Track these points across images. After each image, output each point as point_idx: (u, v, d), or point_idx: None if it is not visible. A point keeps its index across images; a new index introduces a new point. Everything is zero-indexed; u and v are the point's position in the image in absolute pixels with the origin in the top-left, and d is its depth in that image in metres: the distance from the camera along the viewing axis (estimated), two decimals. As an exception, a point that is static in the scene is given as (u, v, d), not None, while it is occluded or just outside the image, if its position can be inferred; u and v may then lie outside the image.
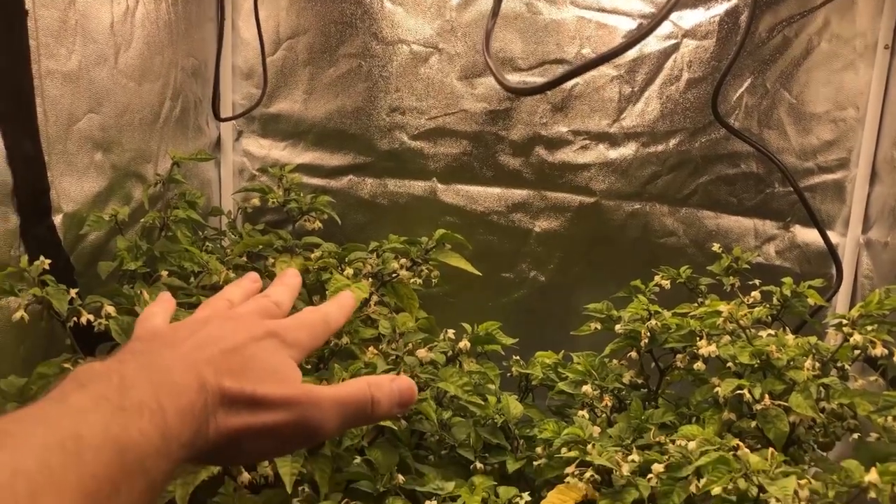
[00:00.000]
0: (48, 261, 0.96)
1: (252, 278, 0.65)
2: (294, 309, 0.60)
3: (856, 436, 1.06)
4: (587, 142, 1.56)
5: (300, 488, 0.91)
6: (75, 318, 0.95)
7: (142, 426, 0.39)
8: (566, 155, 1.56)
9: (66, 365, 0.92)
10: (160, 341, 0.49)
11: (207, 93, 1.54)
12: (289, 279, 0.63)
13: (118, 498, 0.37)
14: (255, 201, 1.42)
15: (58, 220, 1.08)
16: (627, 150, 1.56)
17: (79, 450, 0.36)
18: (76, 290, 0.97)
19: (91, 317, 0.96)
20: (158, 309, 0.59)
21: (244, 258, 1.30)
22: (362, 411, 0.52)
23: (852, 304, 1.52)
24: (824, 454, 1.10)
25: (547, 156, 1.57)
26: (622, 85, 1.53)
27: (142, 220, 1.23)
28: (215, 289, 1.19)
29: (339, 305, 0.60)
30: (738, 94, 1.51)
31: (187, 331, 0.50)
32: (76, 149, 1.11)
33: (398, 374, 1.01)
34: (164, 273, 1.15)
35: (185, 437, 0.42)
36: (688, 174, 1.56)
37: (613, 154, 1.56)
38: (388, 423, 0.98)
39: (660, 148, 1.55)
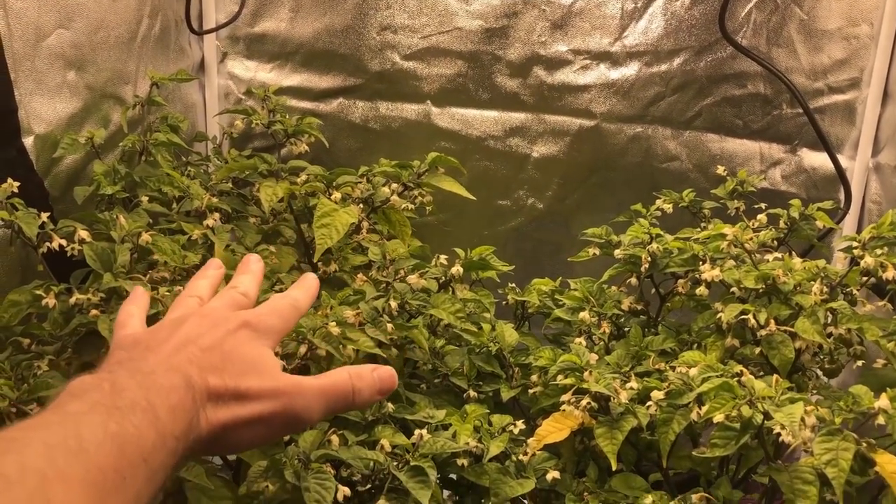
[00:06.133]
0: (16, 183, 0.91)
1: (215, 265, 0.68)
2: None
3: (860, 363, 1.02)
4: (588, 61, 1.49)
5: (286, 418, 0.88)
6: (48, 244, 0.91)
7: (136, 422, 0.43)
8: (566, 76, 1.49)
9: (38, 291, 0.88)
10: (142, 347, 0.53)
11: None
12: (252, 265, 0.66)
13: (124, 487, 0.41)
14: (239, 124, 1.35)
15: (29, 142, 1.03)
16: (629, 70, 1.48)
17: (81, 446, 0.40)
18: (48, 215, 0.92)
19: (63, 241, 0.91)
20: (134, 308, 0.61)
21: (228, 184, 1.24)
22: (344, 400, 0.56)
23: (859, 231, 1.48)
24: (828, 381, 1.07)
25: (546, 77, 1.50)
26: (625, 0, 1.46)
27: (121, 143, 1.18)
28: (199, 215, 1.14)
29: (305, 288, 0.64)
30: (746, 10, 1.44)
31: (165, 333, 0.54)
32: (46, 67, 1.05)
33: (387, 302, 0.97)
34: (145, 198, 1.10)
35: (179, 431, 0.46)
36: (692, 95, 1.49)
37: (615, 74, 1.49)
38: (378, 352, 0.94)
39: (663, 68, 1.48)
